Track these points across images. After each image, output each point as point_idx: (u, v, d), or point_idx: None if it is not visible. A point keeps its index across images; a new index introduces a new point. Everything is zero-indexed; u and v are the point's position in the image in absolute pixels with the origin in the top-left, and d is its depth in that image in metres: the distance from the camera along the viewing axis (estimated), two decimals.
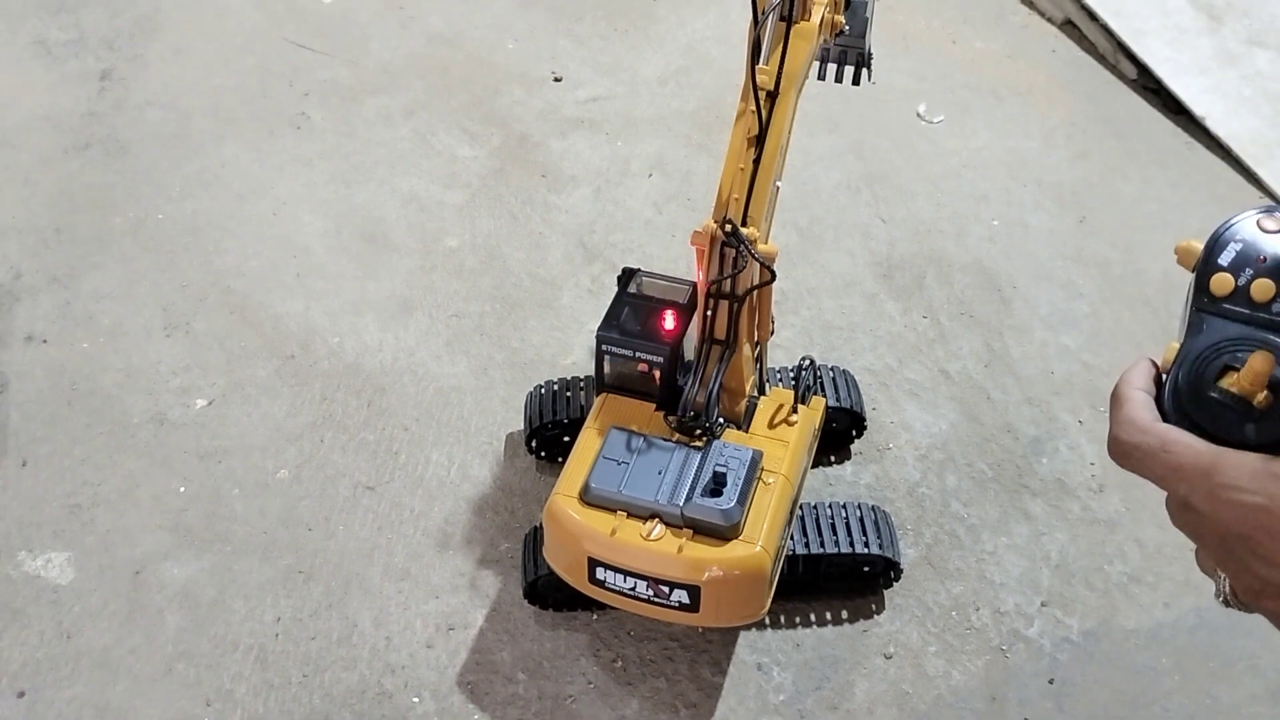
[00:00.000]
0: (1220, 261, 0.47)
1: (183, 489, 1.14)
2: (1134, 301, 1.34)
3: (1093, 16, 1.70)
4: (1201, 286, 0.47)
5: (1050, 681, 1.02)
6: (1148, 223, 1.45)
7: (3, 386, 1.22)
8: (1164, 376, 0.48)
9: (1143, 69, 1.64)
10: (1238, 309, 0.47)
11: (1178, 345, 0.48)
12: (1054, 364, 1.27)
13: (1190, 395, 0.46)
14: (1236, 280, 0.47)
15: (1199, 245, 0.48)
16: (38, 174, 1.48)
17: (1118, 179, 1.51)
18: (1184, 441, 0.46)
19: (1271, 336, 0.46)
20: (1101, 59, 1.70)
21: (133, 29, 1.71)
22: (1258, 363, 0.44)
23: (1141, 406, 0.48)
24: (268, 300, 1.32)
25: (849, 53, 1.01)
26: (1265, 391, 0.45)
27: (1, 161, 1.49)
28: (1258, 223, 0.47)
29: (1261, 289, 0.46)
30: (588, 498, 0.88)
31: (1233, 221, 0.48)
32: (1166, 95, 1.61)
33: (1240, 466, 0.44)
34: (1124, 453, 0.48)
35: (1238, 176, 1.51)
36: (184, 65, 1.65)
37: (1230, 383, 0.46)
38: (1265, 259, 0.46)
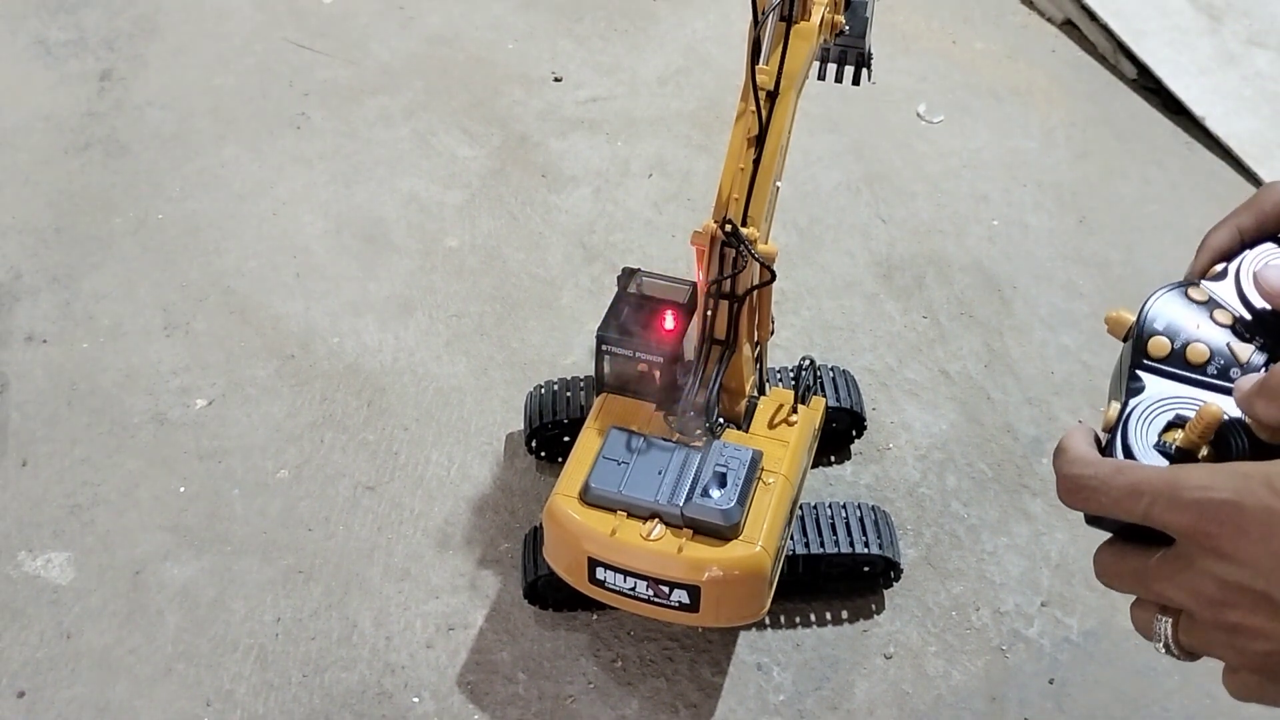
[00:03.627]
0: (1156, 327, 0.50)
1: (183, 489, 1.14)
2: (1134, 302, 1.32)
3: (1093, 16, 1.70)
4: (1139, 349, 0.50)
5: (1050, 681, 1.02)
6: (1148, 223, 1.45)
7: (3, 386, 1.22)
8: (1102, 438, 0.49)
9: (1143, 69, 1.64)
10: (1175, 370, 0.49)
11: (1118, 404, 0.49)
12: (1054, 364, 1.27)
13: (1137, 447, 0.48)
14: (1173, 344, 0.50)
15: (1130, 315, 0.52)
16: (38, 174, 1.48)
17: (1118, 179, 1.51)
18: (1138, 464, 0.46)
19: (1211, 395, 0.48)
20: (1101, 59, 1.70)
21: (133, 29, 1.71)
22: (1207, 414, 0.46)
23: (1087, 446, 0.48)
24: (268, 300, 1.32)
25: (849, 53, 1.01)
26: (1208, 447, 0.47)
27: (1, 161, 1.49)
28: (1185, 293, 0.51)
29: (1196, 352, 0.49)
30: (588, 498, 0.88)
31: (1161, 293, 0.52)
32: (1166, 95, 1.61)
33: (1202, 470, 0.43)
34: (1076, 488, 0.47)
35: (1237, 176, 1.51)
36: (184, 65, 1.65)
37: (1174, 437, 0.48)
38: (1198, 325, 0.50)
